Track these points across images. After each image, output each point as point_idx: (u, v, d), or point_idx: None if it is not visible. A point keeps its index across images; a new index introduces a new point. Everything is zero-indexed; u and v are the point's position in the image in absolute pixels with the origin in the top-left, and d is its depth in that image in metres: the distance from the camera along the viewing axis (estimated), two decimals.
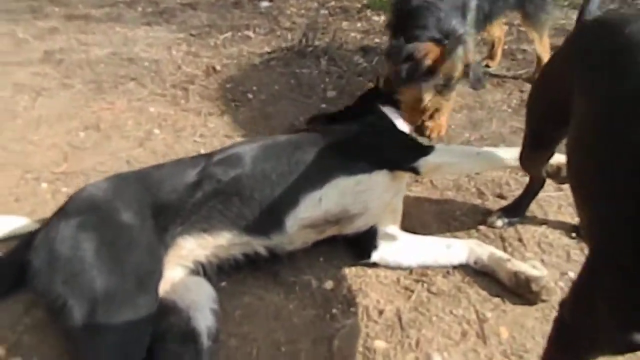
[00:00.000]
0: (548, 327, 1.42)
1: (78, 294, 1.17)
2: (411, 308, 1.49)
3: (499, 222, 1.80)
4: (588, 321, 0.89)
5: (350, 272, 1.61)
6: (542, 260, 1.66)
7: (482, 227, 1.80)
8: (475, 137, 2.35)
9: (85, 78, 2.76)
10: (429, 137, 2.24)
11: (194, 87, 2.67)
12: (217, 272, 1.49)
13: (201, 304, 1.36)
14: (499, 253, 1.59)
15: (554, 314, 1.33)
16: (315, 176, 1.52)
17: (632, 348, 0.82)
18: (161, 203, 1.42)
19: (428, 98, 2.02)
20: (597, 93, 1.11)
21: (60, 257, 1.22)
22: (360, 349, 1.37)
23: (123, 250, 1.26)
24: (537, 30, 2.63)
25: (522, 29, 3.17)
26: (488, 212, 1.84)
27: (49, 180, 1.96)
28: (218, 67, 2.86)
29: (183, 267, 1.44)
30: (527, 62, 3.08)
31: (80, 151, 2.14)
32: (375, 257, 1.62)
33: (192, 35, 3.51)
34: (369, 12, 3.91)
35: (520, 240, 1.75)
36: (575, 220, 1.80)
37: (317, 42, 3.17)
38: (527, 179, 1.83)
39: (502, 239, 1.76)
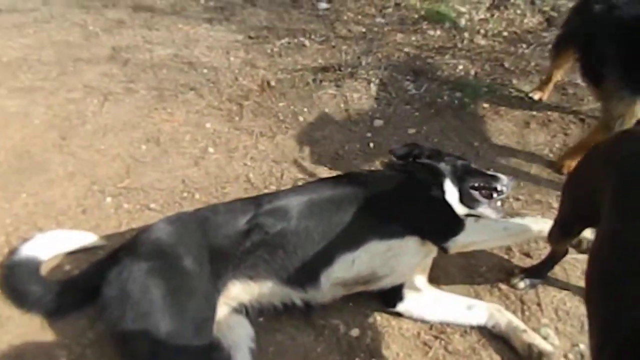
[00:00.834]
0: None
1: (144, 332, 1.37)
2: None
3: (522, 284, 1.90)
4: None
5: (375, 321, 1.76)
6: (557, 329, 1.77)
7: (503, 287, 1.91)
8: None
9: (149, 83, 2.96)
10: None
11: (249, 104, 2.82)
12: (257, 312, 1.68)
13: (241, 344, 1.55)
14: (517, 322, 1.71)
15: None
16: (351, 238, 1.66)
17: None
18: (216, 248, 1.60)
19: None
20: (626, 209, 1.20)
21: (131, 297, 1.42)
22: None
23: (185, 297, 1.45)
24: None
25: None
26: (512, 271, 1.95)
27: (113, 194, 2.18)
28: (273, 83, 3.00)
29: (228, 306, 1.63)
30: (577, 98, 3.08)
31: (141, 165, 2.35)
32: (400, 307, 1.77)
33: (250, 37, 3.64)
34: (424, 25, 3.92)
35: (539, 304, 1.85)
36: None
37: (369, 60, 3.25)
38: None
39: (522, 302, 1.86)
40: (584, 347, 1.71)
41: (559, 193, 2.30)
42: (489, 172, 2.12)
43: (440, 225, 1.74)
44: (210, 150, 2.48)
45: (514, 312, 1.80)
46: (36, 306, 1.66)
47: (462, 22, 3.97)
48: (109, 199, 2.15)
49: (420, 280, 1.84)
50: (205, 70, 3.13)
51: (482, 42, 3.74)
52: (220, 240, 1.62)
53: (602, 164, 1.38)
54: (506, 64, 3.47)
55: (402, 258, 1.71)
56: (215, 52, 3.38)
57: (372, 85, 3.00)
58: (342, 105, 2.86)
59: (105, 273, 1.58)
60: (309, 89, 2.97)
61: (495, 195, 2.02)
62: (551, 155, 2.64)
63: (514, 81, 3.27)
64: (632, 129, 1.53)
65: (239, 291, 1.63)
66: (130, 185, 2.23)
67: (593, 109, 2.99)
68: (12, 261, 1.76)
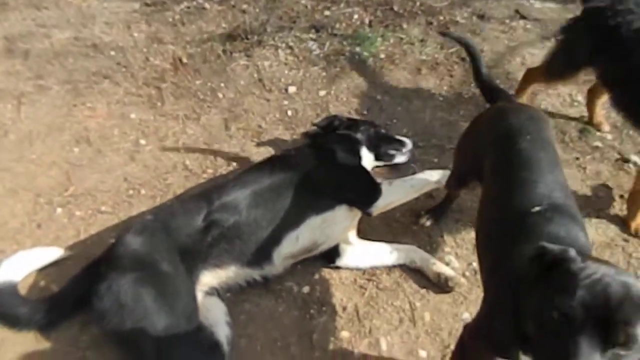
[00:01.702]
0: (456, 309, 2.10)
1: (145, 333, 1.67)
2: (365, 303, 2.10)
3: (428, 223, 2.39)
4: (470, 340, 1.52)
5: (320, 276, 2.18)
6: (456, 254, 2.30)
7: (415, 228, 2.39)
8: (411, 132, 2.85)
9: (59, 77, 2.93)
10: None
11: (166, 86, 2.94)
12: (225, 291, 2.02)
13: (219, 320, 1.90)
14: (427, 257, 2.20)
15: (460, 298, 1.99)
16: (293, 218, 2.02)
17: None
18: (183, 248, 1.88)
19: None
20: (495, 165, 1.67)
21: (126, 306, 1.70)
22: (332, 338, 1.99)
23: (171, 296, 1.75)
24: None
25: None
26: (419, 213, 2.43)
27: (61, 204, 2.32)
28: (184, 59, 3.10)
29: (202, 292, 1.95)
30: None
31: (80, 169, 2.47)
32: (338, 262, 2.20)
33: (147, 4, 3.60)
34: None
35: (442, 236, 2.37)
36: None
37: (272, 22, 3.40)
38: None
39: (429, 237, 2.36)
40: (475, 264, 2.25)
41: (451, 136, 2.80)
42: (397, 137, 2.55)
43: (362, 195, 2.14)
44: (142, 142, 2.64)
45: (424, 246, 2.30)
46: (29, 325, 1.87)
47: None
48: (59, 210, 2.30)
49: (352, 236, 2.26)
50: (112, 53, 3.13)
51: None
52: (185, 240, 1.90)
53: (483, 137, 1.82)
54: (395, 7, 3.78)
55: (336, 226, 2.12)
56: (116, 27, 3.34)
57: (279, 51, 3.20)
58: (255, 76, 3.07)
59: (86, 285, 1.84)
60: (221, 62, 3.12)
61: (402, 155, 2.52)
62: (441, 98, 3.09)
63: (404, 25, 3.62)
64: (503, 106, 1.96)
65: (209, 279, 1.95)
66: (75, 192, 2.37)
67: None
68: None
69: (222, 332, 1.88)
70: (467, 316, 2.05)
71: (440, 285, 2.14)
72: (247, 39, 3.23)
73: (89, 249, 2.15)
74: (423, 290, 2.15)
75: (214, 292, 2.00)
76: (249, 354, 1.93)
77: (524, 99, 2.82)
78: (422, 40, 3.47)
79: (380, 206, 2.17)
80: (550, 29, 3.68)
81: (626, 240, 2.38)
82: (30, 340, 1.89)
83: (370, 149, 2.49)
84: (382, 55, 3.32)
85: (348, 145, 2.36)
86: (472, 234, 2.35)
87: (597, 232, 2.41)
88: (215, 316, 1.91)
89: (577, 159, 2.75)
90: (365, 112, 2.92)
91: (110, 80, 2.95)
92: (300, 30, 3.41)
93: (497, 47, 3.48)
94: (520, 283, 1.16)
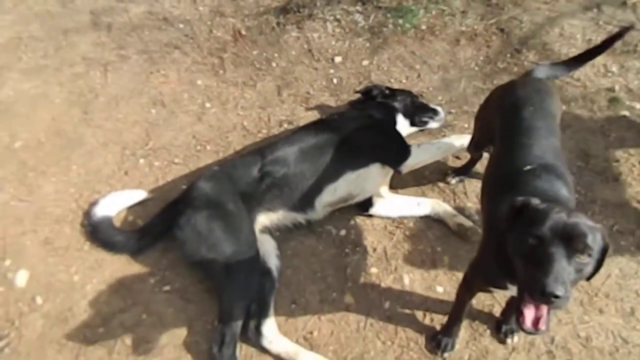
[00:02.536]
0: (472, 255, 2.43)
1: (217, 255, 2.14)
2: (392, 246, 2.47)
3: (453, 181, 2.70)
4: (469, 275, 1.87)
5: (355, 222, 2.56)
6: (477, 210, 2.61)
7: (441, 184, 2.71)
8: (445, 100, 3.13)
9: (137, 47, 3.40)
10: None
11: (227, 56, 3.34)
12: (275, 230, 2.45)
13: (270, 253, 2.34)
14: (450, 210, 2.53)
15: (476, 246, 2.32)
16: (332, 172, 2.40)
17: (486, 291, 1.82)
18: (243, 193, 2.31)
19: None
20: (501, 131, 1.97)
21: (201, 235, 2.18)
22: (363, 273, 2.38)
23: (236, 229, 2.21)
24: None
25: None
26: (446, 172, 2.73)
27: (143, 156, 2.80)
28: (243, 32, 3.47)
29: (257, 230, 2.38)
30: (499, 7, 3.68)
31: (157, 127, 2.94)
32: (371, 211, 2.57)
33: None
34: None
35: (465, 193, 2.68)
36: None
37: None
38: None
39: (454, 193, 2.68)
40: None
41: (481, 103, 3.06)
42: (431, 106, 2.88)
43: (394, 154, 2.49)
44: (207, 105, 3.07)
45: (448, 201, 2.62)
46: (123, 250, 2.39)
47: None
48: (141, 160, 2.78)
49: (384, 189, 2.61)
50: (181, 25, 3.55)
51: None
52: (244, 187, 2.33)
53: (494, 108, 2.11)
54: None
55: (369, 181, 2.48)
56: (183, 2, 3.75)
57: (328, 23, 3.52)
58: (305, 46, 3.41)
59: (167, 220, 2.34)
60: (275, 34, 3.48)
61: (434, 122, 2.87)
62: (476, 68, 3.32)
63: None
64: (516, 80, 2.22)
65: (263, 219, 2.39)
66: (154, 146, 2.85)
67: (511, 17, 3.63)
68: (93, 221, 2.45)
69: (273, 262, 2.32)
70: None
71: (460, 234, 2.48)
72: (299, 12, 3.55)
73: (165, 192, 2.62)
74: (444, 238, 2.50)
75: (267, 230, 2.43)
76: (294, 281, 2.36)
77: None
78: (463, 12, 3.67)
79: (409, 165, 2.51)
80: (594, 0, 3.77)
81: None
82: (122, 261, 2.41)
83: (406, 116, 2.80)
84: (424, 27, 3.56)
85: (385, 112, 2.69)
86: None
87: (613, 193, 2.65)
88: (268, 249, 2.35)
89: (603, 126, 2.94)
90: (404, 81, 3.22)
91: (180, 51, 3.38)
92: (347, 3, 3.69)
93: (537, 18, 3.62)
94: (504, 228, 1.49)
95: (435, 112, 2.87)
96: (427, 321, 2.23)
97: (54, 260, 2.40)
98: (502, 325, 2.16)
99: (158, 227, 2.39)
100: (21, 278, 2.34)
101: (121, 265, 2.39)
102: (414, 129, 2.87)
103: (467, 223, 2.47)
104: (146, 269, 2.38)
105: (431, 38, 3.50)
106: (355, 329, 2.21)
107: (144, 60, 3.32)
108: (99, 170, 2.73)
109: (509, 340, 2.15)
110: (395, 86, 3.07)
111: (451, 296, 2.15)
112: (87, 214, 2.51)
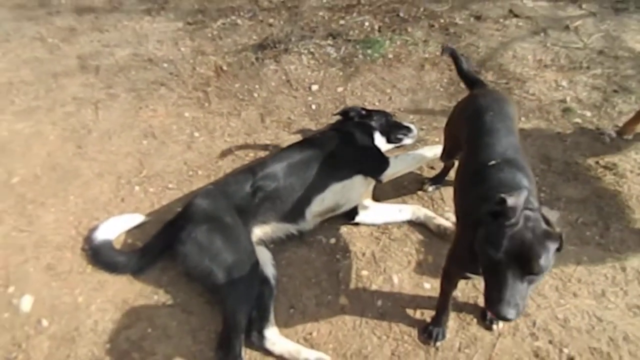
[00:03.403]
0: None
1: (219, 265, 2.28)
2: (380, 250, 2.65)
3: (429, 188, 2.93)
4: (447, 265, 2.06)
5: (344, 231, 2.74)
6: (454, 212, 2.82)
7: (420, 192, 2.93)
8: (416, 118, 3.40)
9: (125, 86, 3.60)
10: None
11: (211, 89, 3.57)
12: (270, 242, 2.61)
13: (266, 262, 2.48)
14: (430, 213, 2.74)
15: None
16: (319, 184, 2.59)
17: (465, 277, 2.00)
18: (238, 207, 2.47)
19: None
20: (468, 135, 2.20)
21: (203, 247, 2.31)
22: (354, 275, 2.54)
23: (236, 240, 2.35)
24: None
25: None
26: (423, 181, 2.96)
27: (138, 183, 2.95)
28: (224, 67, 3.73)
29: (254, 242, 2.53)
30: (457, 36, 4.04)
31: (149, 157, 3.11)
32: (357, 219, 2.75)
33: (189, 23, 4.26)
34: None
35: (442, 199, 2.90)
36: None
37: (295, 32, 4.00)
38: None
39: (432, 199, 2.90)
40: None
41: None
42: (405, 124, 3.13)
43: (374, 166, 2.70)
44: (196, 134, 3.26)
45: (427, 207, 2.83)
46: (125, 269, 2.50)
47: None
48: (137, 188, 2.93)
49: (367, 200, 2.82)
50: (165, 65, 3.78)
51: None
52: (239, 202, 2.50)
53: (460, 117, 2.37)
54: (401, 14, 4.35)
55: (353, 191, 2.68)
56: (166, 44, 4.00)
57: (303, 56, 3.81)
58: (283, 77, 3.67)
59: (166, 239, 2.47)
60: (255, 68, 3.74)
61: (408, 139, 3.11)
62: (441, 89, 3.63)
63: (409, 29, 4.18)
64: (475, 92, 2.49)
65: (258, 232, 2.54)
66: (147, 174, 3.00)
67: (469, 43, 3.98)
68: (94, 245, 2.55)
69: (269, 271, 2.47)
70: None
71: (440, 235, 2.68)
72: (275, 47, 3.84)
73: (162, 215, 2.76)
74: (427, 239, 2.69)
75: (262, 242, 2.58)
76: (290, 288, 2.50)
77: (635, 129, 3.19)
78: (425, 41, 4.02)
79: (388, 174, 2.73)
80: (540, 25, 4.20)
81: (599, 197, 2.86)
82: (124, 281, 2.51)
83: (382, 134, 3.04)
84: (390, 56, 3.88)
85: (363, 130, 2.92)
86: None
87: (575, 190, 2.91)
88: (264, 260, 2.49)
89: (559, 133, 3.25)
90: (377, 103, 3.49)
91: (166, 87, 3.59)
92: (319, 38, 4.00)
93: (491, 43, 4.00)
94: (475, 219, 1.68)
95: (408, 129, 3.13)
96: (417, 315, 2.39)
97: (58, 284, 2.49)
98: (487, 314, 2.34)
99: (158, 245, 2.52)
100: (26, 303, 2.41)
101: (123, 285, 2.49)
102: (391, 145, 3.11)
103: (446, 224, 2.68)
104: (148, 287, 2.49)
105: (398, 65, 3.81)
106: (352, 327, 2.35)
107: (132, 97, 3.51)
108: (96, 199, 2.86)
109: (494, 327, 2.32)
110: (370, 108, 3.33)
111: (437, 292, 2.31)
112: (88, 238, 2.62)
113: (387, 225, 2.75)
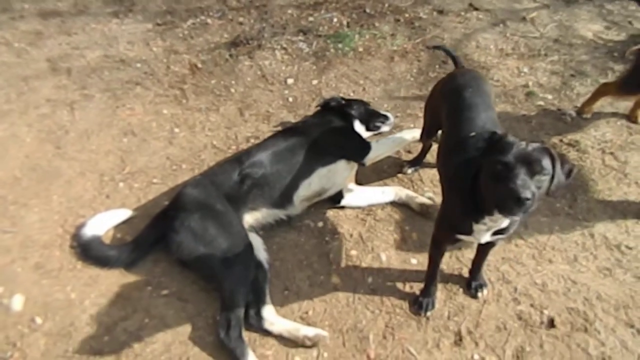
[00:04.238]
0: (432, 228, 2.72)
1: (214, 250, 2.32)
2: (366, 230, 2.75)
3: (409, 171, 3.06)
4: (437, 231, 2.18)
5: (330, 214, 2.82)
6: (433, 191, 2.96)
7: (400, 175, 3.05)
8: (390, 107, 3.53)
9: (99, 87, 3.58)
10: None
11: (188, 87, 3.60)
12: (260, 229, 2.66)
13: (259, 247, 2.54)
14: (411, 193, 2.86)
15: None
16: (305, 170, 2.67)
17: (454, 241, 2.13)
18: (227, 195, 2.52)
19: None
20: (448, 111, 2.34)
21: (197, 234, 2.35)
22: (344, 256, 2.63)
23: (228, 225, 2.40)
24: None
25: None
26: (402, 164, 3.09)
27: (122, 179, 2.95)
28: (199, 65, 3.76)
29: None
30: (422, 29, 4.21)
31: (131, 154, 3.11)
32: (343, 202, 2.85)
33: (158, 24, 4.26)
34: None
35: (421, 180, 3.03)
36: None
37: (267, 30, 4.08)
38: None
39: (411, 181, 3.02)
40: None
41: (422, 107, 3.47)
42: (382, 112, 3.25)
43: (357, 150, 2.81)
44: (176, 130, 3.28)
45: (408, 188, 2.95)
46: (118, 263, 2.50)
47: None
48: (121, 184, 2.92)
49: (351, 184, 2.91)
50: (138, 65, 3.78)
51: None
52: (228, 190, 2.54)
53: (440, 95, 2.50)
54: (367, 10, 4.50)
55: (338, 174, 2.77)
56: (137, 45, 3.99)
57: (276, 52, 3.89)
58: (258, 73, 3.74)
59: (156, 231, 2.49)
60: (230, 65, 3.79)
61: (386, 126, 3.23)
62: (412, 79, 3.78)
63: (376, 24, 4.33)
64: (453, 71, 2.64)
65: (248, 218, 2.59)
66: (131, 170, 3.00)
67: (434, 36, 4.16)
68: (83, 241, 2.55)
69: (262, 255, 2.52)
70: None
71: (422, 212, 2.80)
72: (248, 44, 3.90)
73: (149, 210, 2.77)
74: (410, 218, 2.81)
75: (252, 229, 2.64)
76: (282, 271, 2.56)
77: (592, 109, 3.41)
78: (392, 35, 4.18)
79: (371, 158, 2.83)
80: (499, 17, 4.42)
81: None
82: (117, 275, 2.51)
83: (362, 122, 3.15)
84: (361, 49, 4.01)
85: (344, 118, 3.02)
86: None
87: None
88: (256, 245, 2.53)
89: (524, 115, 3.44)
90: (351, 94, 3.60)
91: (142, 86, 3.59)
92: (290, 34, 4.10)
93: (455, 35, 4.19)
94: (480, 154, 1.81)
95: (386, 117, 3.25)
96: (407, 289, 2.49)
97: (48, 282, 2.47)
98: (471, 283, 2.47)
99: (150, 237, 2.53)
100: (17, 302, 2.38)
101: (116, 279, 2.49)
102: (370, 133, 3.22)
103: (427, 202, 2.81)
104: (141, 279, 2.50)
105: (369, 58, 3.94)
106: (346, 304, 2.43)
107: (107, 97, 3.50)
108: (80, 197, 2.84)
109: (479, 295, 2.45)
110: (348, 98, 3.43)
111: (424, 266, 2.41)
112: (76, 235, 2.61)
113: (372, 207, 2.86)
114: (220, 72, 3.74)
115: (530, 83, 3.70)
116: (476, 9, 4.53)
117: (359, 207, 2.86)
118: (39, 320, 2.33)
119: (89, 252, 2.53)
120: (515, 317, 2.36)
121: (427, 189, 2.98)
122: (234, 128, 3.31)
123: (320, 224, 2.78)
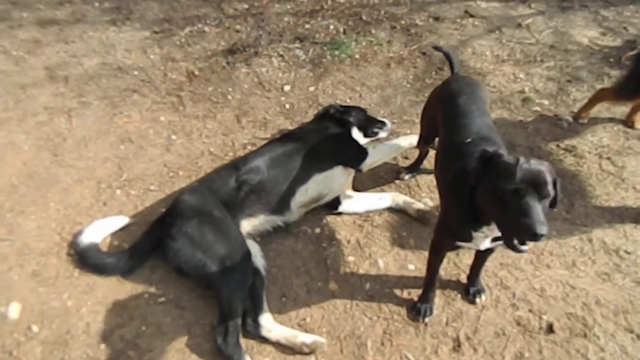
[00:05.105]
0: (430, 234, 2.72)
1: (212, 257, 2.31)
2: (364, 236, 2.75)
3: (406, 177, 3.06)
4: (437, 238, 2.18)
5: (328, 221, 2.82)
6: (430, 197, 2.96)
7: (397, 181, 3.05)
8: (387, 113, 3.54)
9: (97, 94, 3.58)
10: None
11: (185, 94, 3.60)
12: (257, 235, 2.66)
13: (256, 254, 2.53)
14: (408, 199, 2.87)
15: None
16: (302, 176, 2.67)
17: (453, 248, 2.13)
18: (225, 201, 2.52)
19: None
20: (444, 117, 2.34)
21: (195, 241, 2.34)
22: (342, 262, 2.62)
23: (226, 232, 2.39)
24: None
25: None
26: (399, 170, 3.09)
27: (119, 187, 2.94)
28: (196, 72, 3.77)
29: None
30: (418, 35, 4.23)
31: (128, 161, 3.10)
32: (340, 209, 2.85)
33: (156, 32, 4.28)
34: None
35: (418, 186, 3.03)
36: None
37: (263, 37, 4.10)
38: None
39: (408, 187, 3.03)
40: None
41: (418, 113, 3.49)
42: (379, 118, 3.26)
43: (354, 156, 2.81)
44: (173, 137, 3.28)
45: (405, 194, 2.96)
46: (115, 270, 2.49)
47: None
48: (118, 191, 2.92)
49: (348, 190, 2.91)
50: (135, 72, 3.79)
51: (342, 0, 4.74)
52: (225, 197, 2.54)
53: (435, 102, 2.51)
54: (364, 17, 4.52)
55: (335, 180, 2.78)
56: (134, 53, 4.01)
57: (273, 59, 3.90)
58: (255, 80, 3.75)
59: (153, 238, 2.49)
60: (227, 72, 3.80)
61: (383, 132, 3.23)
62: (408, 85, 3.79)
63: (372, 30, 4.35)
64: (448, 78, 2.65)
65: (245, 225, 2.59)
66: (128, 177, 3.00)
67: (430, 42, 4.18)
68: (80, 249, 2.54)
69: (259, 262, 2.52)
70: None
71: (420, 218, 2.80)
72: (245, 51, 3.91)
73: (146, 217, 2.77)
74: (407, 224, 2.81)
75: (250, 236, 2.63)
76: (280, 277, 2.56)
77: (589, 114, 3.43)
78: (388, 41, 4.20)
79: (368, 164, 2.84)
80: (495, 24, 4.45)
81: (562, 177, 3.05)
82: (114, 283, 2.50)
83: (360, 128, 3.15)
84: (357, 56, 4.03)
85: (341, 124, 3.03)
86: None
87: None
88: (253, 252, 2.53)
89: (521, 121, 3.45)
90: (348, 100, 3.61)
91: (139, 94, 3.60)
92: (287, 41, 4.11)
93: (451, 41, 4.21)
94: (475, 179, 1.81)
95: (383, 123, 3.26)
96: (405, 295, 2.49)
97: (45, 289, 2.46)
98: (469, 288, 2.47)
99: (147, 244, 2.53)
100: (13, 310, 2.37)
101: (113, 286, 2.48)
102: (367, 139, 3.22)
103: (425, 208, 2.81)
104: (139, 286, 2.49)
105: (365, 64, 3.96)
106: (343, 311, 2.42)
107: (105, 104, 3.50)
108: (77, 204, 2.84)
109: (477, 300, 2.44)
110: (346, 105, 3.44)
111: (422, 272, 2.42)
112: (73, 243, 2.60)
113: (369, 213, 2.86)
114: (217, 79, 3.75)
115: (526, 89, 3.71)
116: (472, 16, 4.56)
117: (356, 214, 2.86)
118: (35, 328, 2.32)
119: (86, 259, 2.52)
120: (514, 322, 2.35)
121: (424, 194, 2.98)
122: (231, 135, 3.31)
123: (318, 230, 2.77)
